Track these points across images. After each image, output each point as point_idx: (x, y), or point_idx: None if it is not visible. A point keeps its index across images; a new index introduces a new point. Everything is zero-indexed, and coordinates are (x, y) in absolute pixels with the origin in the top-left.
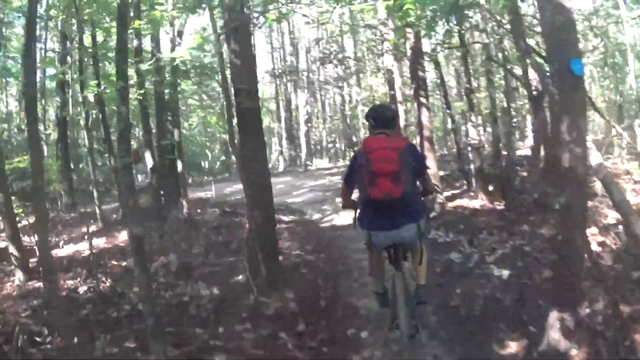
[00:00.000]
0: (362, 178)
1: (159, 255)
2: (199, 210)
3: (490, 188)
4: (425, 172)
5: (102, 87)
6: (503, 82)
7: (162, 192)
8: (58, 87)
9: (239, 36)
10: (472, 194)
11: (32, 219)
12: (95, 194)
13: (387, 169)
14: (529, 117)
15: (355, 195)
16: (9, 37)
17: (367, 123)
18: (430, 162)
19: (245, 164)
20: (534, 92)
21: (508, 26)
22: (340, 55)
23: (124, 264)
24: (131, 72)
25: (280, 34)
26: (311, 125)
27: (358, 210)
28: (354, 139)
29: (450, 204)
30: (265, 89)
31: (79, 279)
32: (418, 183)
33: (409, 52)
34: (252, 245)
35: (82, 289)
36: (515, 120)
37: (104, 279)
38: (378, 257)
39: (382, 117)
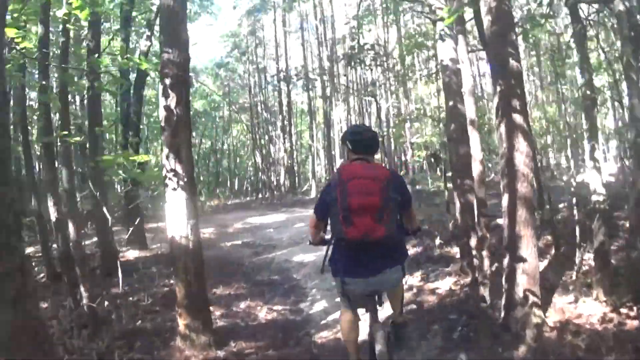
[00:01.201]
0: (335, 213)
1: None
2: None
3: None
4: (411, 206)
5: None
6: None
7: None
8: None
9: None
10: (573, 275)
11: None
12: None
13: (366, 204)
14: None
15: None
16: None
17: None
18: (527, 251)
19: None
20: None
21: None
22: (373, 51)
23: None
24: None
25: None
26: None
27: (329, 249)
28: (403, 158)
29: (552, 315)
30: (300, 98)
31: None
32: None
33: (486, 24)
34: None
35: None
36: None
37: None
38: (354, 316)
39: (363, 139)
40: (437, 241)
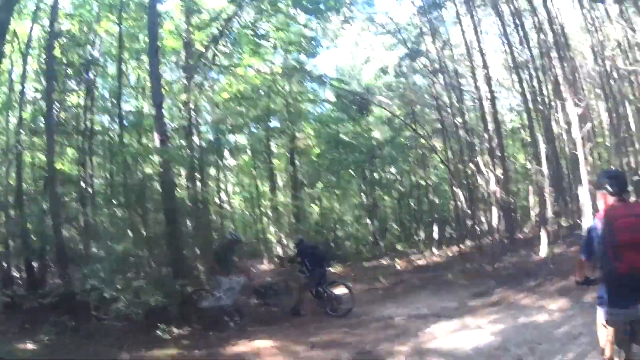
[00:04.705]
0: (604, 251)
1: None
2: None
3: None
4: None
5: None
6: None
7: None
8: None
9: None
10: None
11: None
12: None
13: (633, 239)
14: None
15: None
16: None
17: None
18: None
19: None
20: None
21: None
22: None
23: None
24: None
25: None
26: (592, 147)
27: (599, 288)
28: None
29: None
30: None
31: None
32: None
33: None
34: None
35: None
36: None
37: None
38: (619, 334)
39: (621, 181)
40: None
